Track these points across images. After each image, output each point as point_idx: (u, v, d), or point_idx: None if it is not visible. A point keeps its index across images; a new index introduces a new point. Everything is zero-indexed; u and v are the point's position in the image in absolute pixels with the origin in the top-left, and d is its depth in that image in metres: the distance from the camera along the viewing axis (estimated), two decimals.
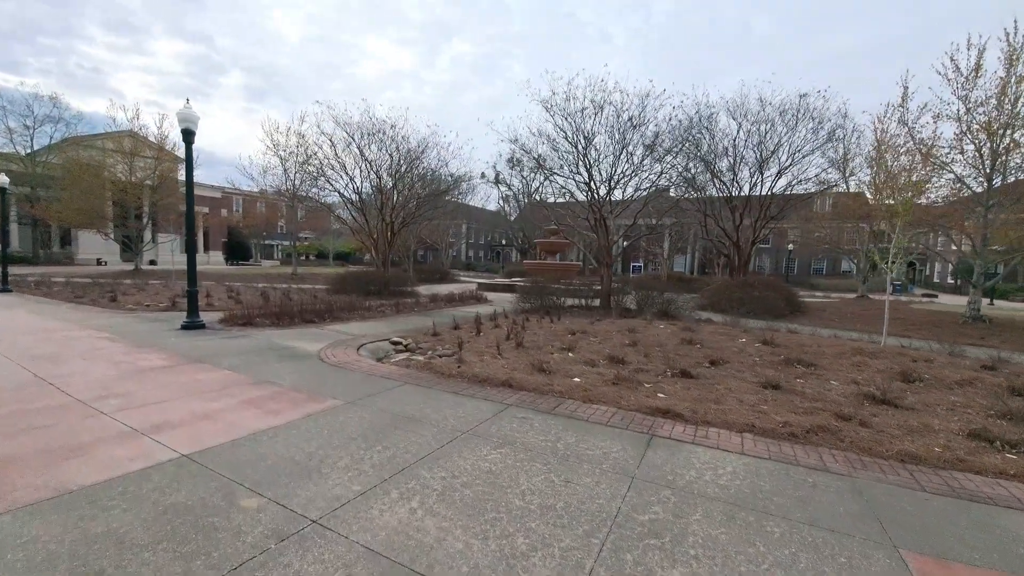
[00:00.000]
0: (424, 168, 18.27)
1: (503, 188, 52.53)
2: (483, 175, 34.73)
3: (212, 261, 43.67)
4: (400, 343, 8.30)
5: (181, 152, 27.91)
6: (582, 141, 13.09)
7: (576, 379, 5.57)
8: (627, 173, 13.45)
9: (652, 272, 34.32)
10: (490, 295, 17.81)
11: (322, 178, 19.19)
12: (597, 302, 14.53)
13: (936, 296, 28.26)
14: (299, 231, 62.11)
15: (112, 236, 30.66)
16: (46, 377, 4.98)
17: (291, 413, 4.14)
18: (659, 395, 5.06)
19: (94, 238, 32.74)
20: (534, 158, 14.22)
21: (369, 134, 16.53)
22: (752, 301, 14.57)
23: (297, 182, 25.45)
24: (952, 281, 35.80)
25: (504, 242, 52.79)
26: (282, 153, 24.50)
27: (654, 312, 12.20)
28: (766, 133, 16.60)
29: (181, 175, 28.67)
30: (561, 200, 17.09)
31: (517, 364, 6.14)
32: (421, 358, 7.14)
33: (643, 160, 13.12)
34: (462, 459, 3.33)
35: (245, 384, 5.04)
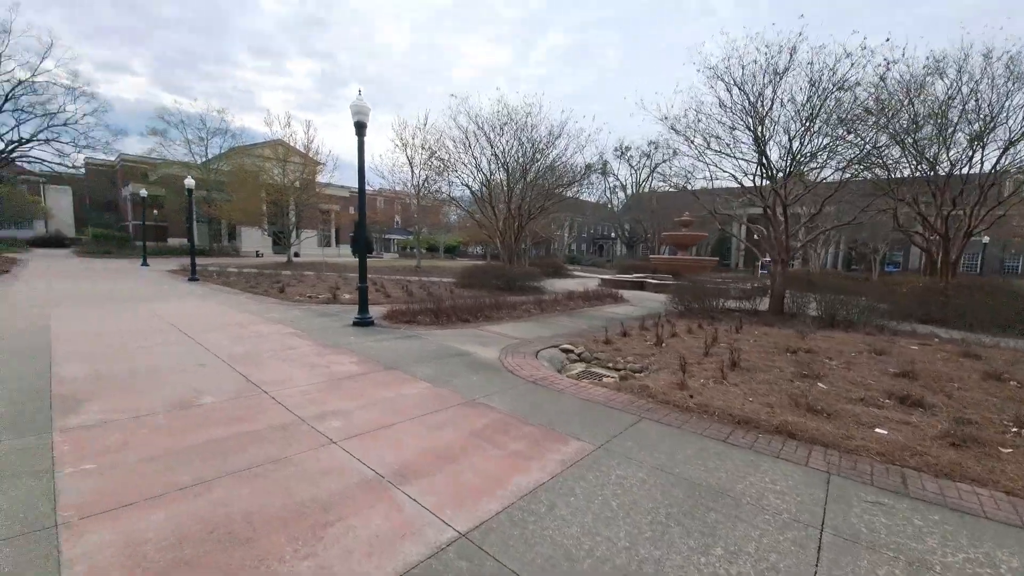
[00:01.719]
0: (555, 157, 17.17)
1: (611, 179, 50.03)
2: (589, 167, 32.82)
3: (342, 254, 47.65)
4: (571, 351, 7.27)
5: (321, 157, 30.33)
6: (756, 114, 10.89)
7: (879, 430, 3.94)
8: (812, 150, 10.94)
9: (793, 268, 29.72)
10: (624, 293, 16.24)
11: (448, 171, 19.07)
12: (764, 305, 12.25)
13: None
14: (413, 226, 65.86)
15: (267, 232, 34.65)
16: (258, 383, 4.66)
17: (544, 461, 3.17)
18: None
19: (254, 233, 37.38)
20: (687, 138, 12.26)
21: (502, 124, 15.83)
22: (981, 310, 11.18)
23: (422, 178, 26.11)
24: None
25: (613, 235, 50.29)
26: (409, 152, 25.19)
27: (853, 321, 9.75)
28: (992, 95, 12.71)
29: (323, 177, 31.01)
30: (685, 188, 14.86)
31: (768, 398, 4.65)
32: (612, 375, 6.02)
33: (840, 133, 10.51)
34: None
35: (457, 405, 4.25)
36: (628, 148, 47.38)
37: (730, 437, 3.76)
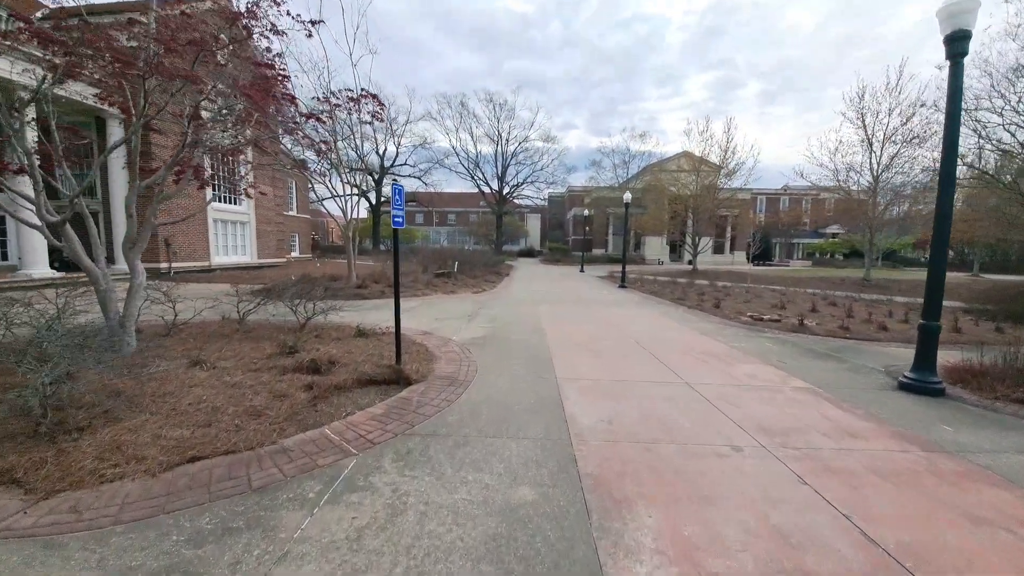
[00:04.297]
0: None
1: None
2: None
3: (736, 261, 42.55)
4: None
5: (740, 156, 26.76)
6: None
7: None
8: None
9: None
10: None
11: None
12: None
13: None
14: (825, 225, 51.48)
15: (666, 241, 34.88)
16: (900, 559, 2.09)
17: None
18: None
19: (654, 242, 38.76)
20: None
21: None
22: None
23: (883, 160, 18.17)
24: None
25: None
26: (869, 125, 17.96)
27: None
28: None
29: (738, 181, 27.47)
30: None
31: None
32: None
33: None
34: None
35: None
36: None
37: None
